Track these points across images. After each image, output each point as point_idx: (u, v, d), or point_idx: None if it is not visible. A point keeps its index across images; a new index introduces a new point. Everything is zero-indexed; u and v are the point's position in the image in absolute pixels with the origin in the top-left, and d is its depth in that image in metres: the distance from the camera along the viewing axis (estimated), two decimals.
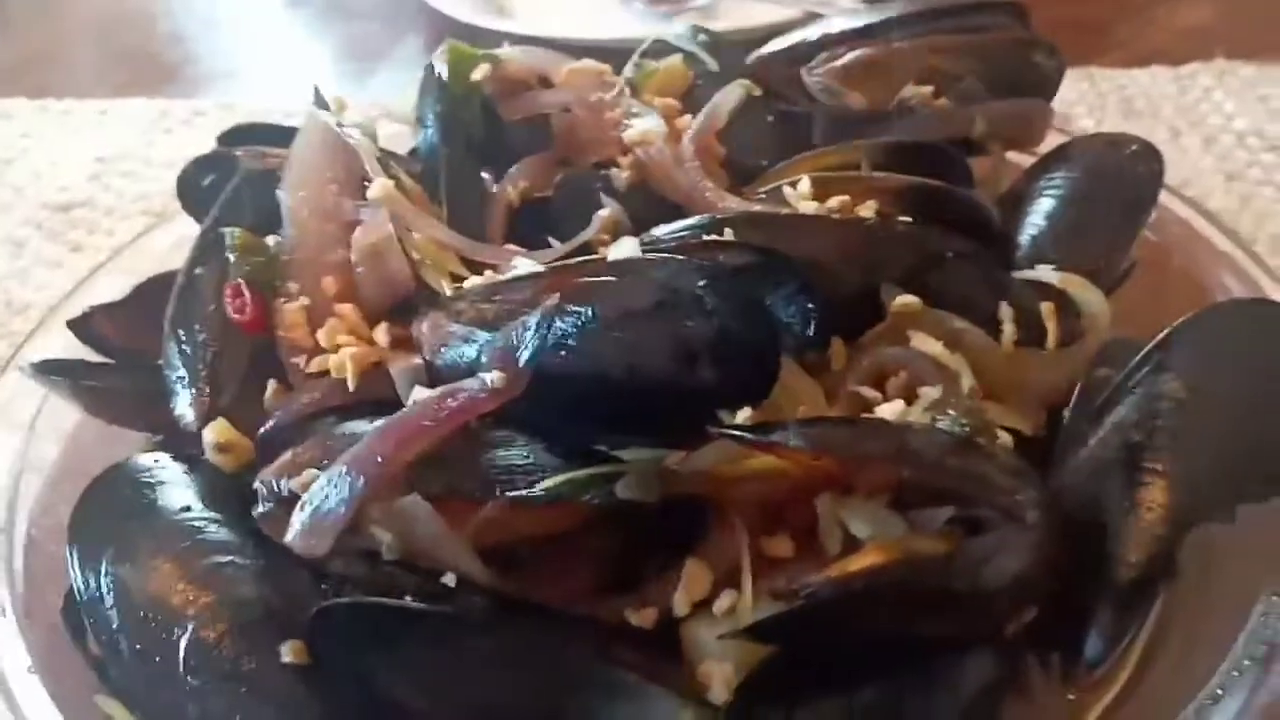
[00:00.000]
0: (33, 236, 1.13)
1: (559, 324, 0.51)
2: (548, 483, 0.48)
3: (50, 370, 0.65)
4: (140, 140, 1.28)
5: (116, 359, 0.69)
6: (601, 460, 0.50)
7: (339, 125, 0.66)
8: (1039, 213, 0.69)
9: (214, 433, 0.57)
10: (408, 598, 0.46)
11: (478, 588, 0.48)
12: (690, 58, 0.79)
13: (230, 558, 0.52)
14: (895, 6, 0.85)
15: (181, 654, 0.49)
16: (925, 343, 0.57)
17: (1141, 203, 0.70)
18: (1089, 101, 1.24)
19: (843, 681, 0.46)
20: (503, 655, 0.47)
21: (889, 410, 0.51)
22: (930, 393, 0.53)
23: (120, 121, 1.32)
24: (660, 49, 0.82)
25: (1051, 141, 0.79)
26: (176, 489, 0.56)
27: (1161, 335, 0.57)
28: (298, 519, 0.48)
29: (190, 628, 0.49)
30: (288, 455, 0.51)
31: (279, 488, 0.50)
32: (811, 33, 0.80)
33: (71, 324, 0.69)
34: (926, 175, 0.68)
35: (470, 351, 0.55)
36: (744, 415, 0.49)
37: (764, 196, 0.67)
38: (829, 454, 0.46)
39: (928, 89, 0.75)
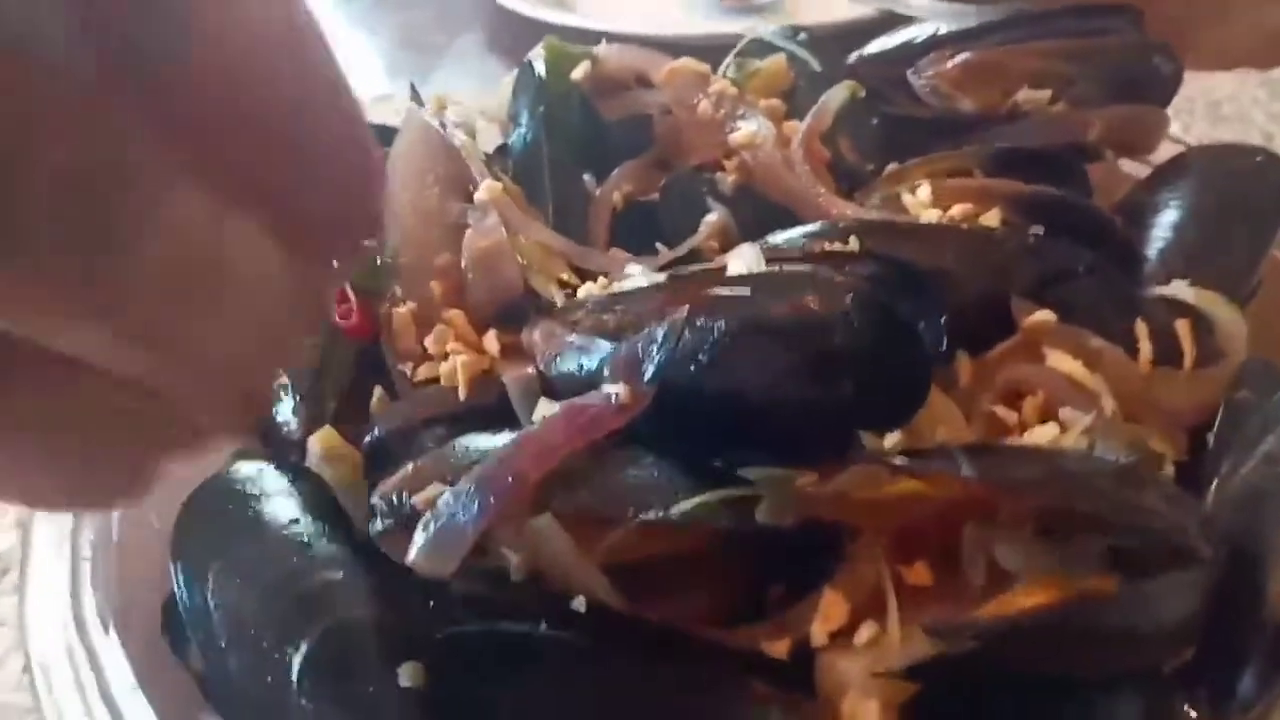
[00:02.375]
0: None
1: (688, 336, 0.49)
2: (684, 505, 0.46)
3: None
4: None
5: None
6: (729, 479, 0.48)
7: (441, 124, 0.64)
8: (1164, 225, 0.66)
9: (320, 441, 0.55)
10: (542, 624, 0.44)
11: (609, 613, 0.46)
12: (791, 57, 0.77)
13: (341, 574, 0.50)
14: (987, 10, 0.82)
15: (295, 674, 0.47)
16: (1063, 361, 0.54)
17: (1272, 216, 0.67)
18: (1174, 105, 1.19)
19: None
20: (635, 686, 0.45)
21: (1042, 435, 0.49)
22: (1079, 417, 0.50)
23: None
24: (757, 48, 0.79)
25: (1165, 150, 0.77)
26: (281, 500, 0.54)
27: None
28: (421, 537, 0.46)
29: (303, 647, 0.48)
30: (408, 469, 0.49)
31: (400, 504, 0.48)
32: (918, 33, 0.77)
33: None
34: (1043, 183, 0.65)
35: (589, 363, 0.53)
36: (892, 437, 0.46)
37: (879, 203, 0.65)
38: (998, 485, 0.43)
39: (1043, 93, 0.72)
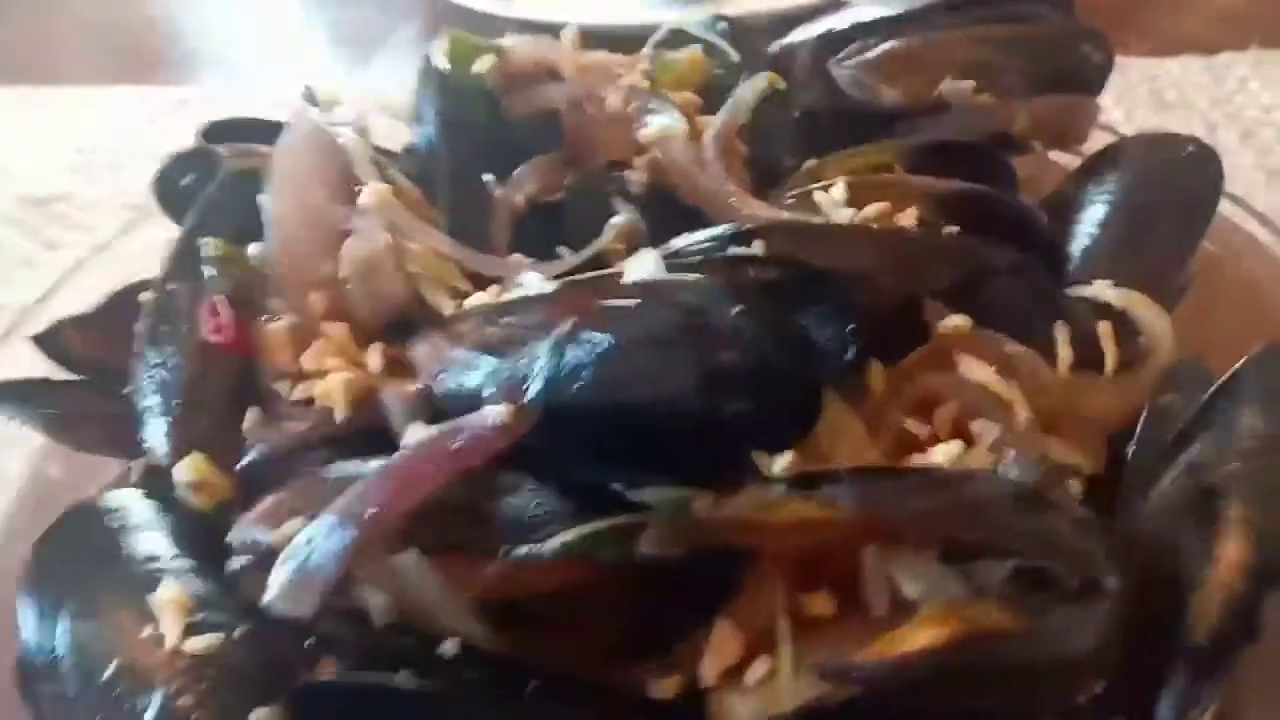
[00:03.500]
0: (6, 233, 1.07)
1: (573, 351, 0.45)
2: (563, 538, 0.43)
3: (9, 396, 0.59)
4: (124, 130, 1.22)
5: (87, 377, 0.64)
6: (619, 505, 0.45)
7: (329, 123, 0.60)
8: (1090, 221, 0.64)
9: (188, 469, 0.51)
10: (403, 671, 0.40)
11: (481, 655, 0.42)
12: (710, 48, 0.73)
13: (204, 614, 0.46)
14: None
15: None
16: (976, 368, 0.52)
17: (1202, 211, 0.64)
18: (1117, 92, 1.17)
19: None
20: None
21: (945, 454, 0.46)
22: (988, 430, 0.47)
23: (102, 111, 1.26)
24: (677, 39, 0.76)
25: (1096, 140, 0.74)
26: (146, 533, 0.50)
27: (1240, 364, 0.52)
28: (278, 576, 0.43)
29: (159, 697, 0.44)
30: (268, 502, 0.46)
31: (257, 540, 0.44)
32: (840, 21, 0.74)
33: (37, 339, 0.63)
34: (967, 178, 0.62)
35: (473, 380, 0.49)
36: (783, 458, 0.43)
37: (793, 202, 0.62)
38: (883, 516, 0.40)
39: (968, 84, 0.69)
